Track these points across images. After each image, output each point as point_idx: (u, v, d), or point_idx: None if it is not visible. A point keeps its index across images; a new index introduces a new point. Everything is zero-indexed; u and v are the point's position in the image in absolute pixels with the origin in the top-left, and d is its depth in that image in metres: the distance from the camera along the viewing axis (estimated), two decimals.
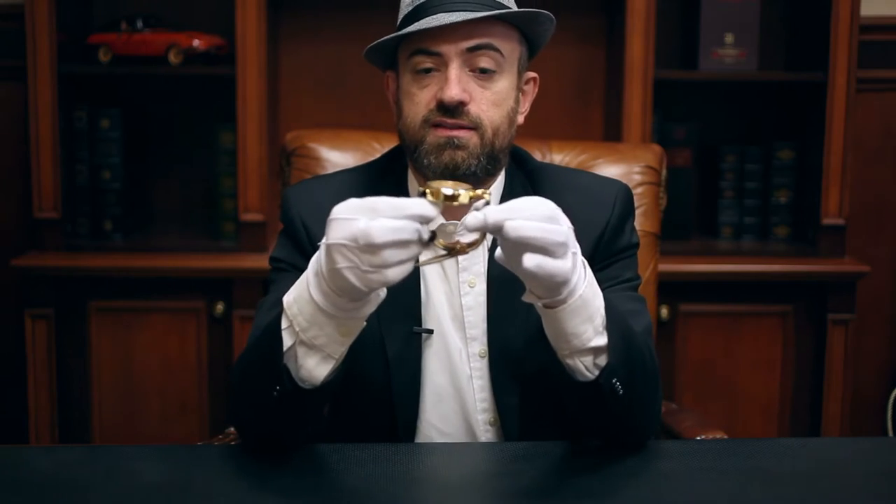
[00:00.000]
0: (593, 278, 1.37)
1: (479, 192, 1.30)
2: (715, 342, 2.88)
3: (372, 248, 1.23)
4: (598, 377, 1.38)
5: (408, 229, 1.24)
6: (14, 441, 2.99)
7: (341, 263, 1.25)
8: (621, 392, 1.39)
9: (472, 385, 1.61)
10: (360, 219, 1.24)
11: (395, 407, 1.59)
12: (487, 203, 1.29)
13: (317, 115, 3.03)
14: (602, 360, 1.37)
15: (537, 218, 1.26)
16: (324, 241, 1.27)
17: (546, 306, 1.35)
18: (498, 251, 1.33)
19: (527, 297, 1.35)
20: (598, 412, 1.42)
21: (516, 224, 1.24)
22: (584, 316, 1.35)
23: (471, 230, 1.27)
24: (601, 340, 1.36)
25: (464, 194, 1.28)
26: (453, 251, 1.33)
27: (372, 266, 1.24)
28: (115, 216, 2.91)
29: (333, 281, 1.28)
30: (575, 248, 1.31)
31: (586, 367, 1.38)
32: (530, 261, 1.26)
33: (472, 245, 1.32)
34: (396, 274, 1.25)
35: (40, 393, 2.81)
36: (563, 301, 1.33)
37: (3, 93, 3.01)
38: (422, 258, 1.59)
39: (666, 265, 2.54)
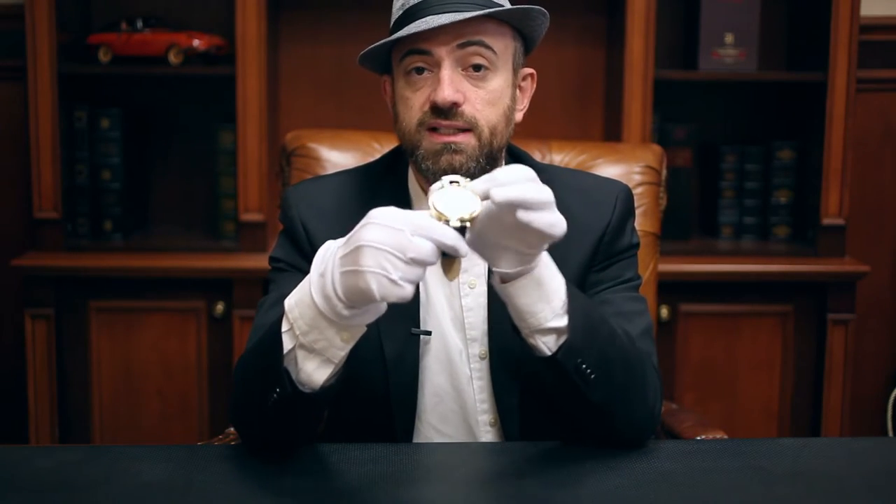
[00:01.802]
0: (554, 266, 1.39)
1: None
2: (715, 342, 2.88)
3: (416, 262, 1.23)
4: (555, 352, 1.39)
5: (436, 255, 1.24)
6: (14, 441, 2.99)
7: (369, 267, 1.22)
8: (593, 376, 1.40)
9: (473, 386, 1.61)
10: (406, 230, 1.23)
11: (392, 408, 1.59)
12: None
13: (317, 115, 3.03)
14: (564, 339, 1.39)
15: (520, 181, 1.27)
16: (355, 239, 1.25)
17: (502, 281, 1.37)
18: (468, 237, 1.31)
19: (493, 279, 1.37)
20: (574, 397, 1.43)
21: (503, 189, 1.26)
22: (539, 294, 1.36)
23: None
24: (561, 322, 1.38)
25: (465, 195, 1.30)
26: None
27: (403, 278, 1.23)
28: (115, 216, 2.91)
29: (346, 281, 1.26)
30: None
31: (547, 347, 1.39)
32: (525, 215, 1.27)
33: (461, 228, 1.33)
34: (412, 292, 1.24)
35: (40, 393, 2.81)
36: (518, 275, 1.35)
37: (3, 93, 3.01)
38: None
39: (666, 265, 2.54)
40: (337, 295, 1.27)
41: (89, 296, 2.81)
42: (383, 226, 1.23)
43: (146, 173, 3.08)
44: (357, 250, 1.24)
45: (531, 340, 1.40)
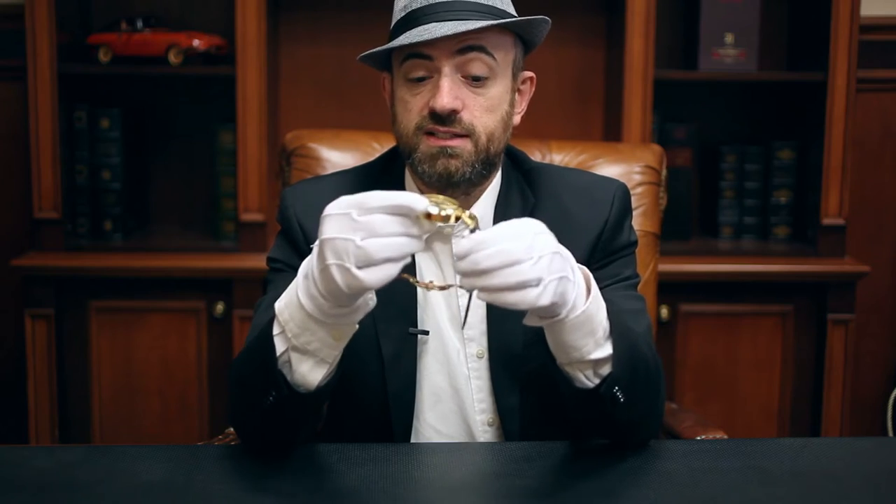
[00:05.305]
0: (598, 291, 1.36)
1: (465, 213, 1.26)
2: (715, 342, 2.88)
3: (369, 235, 1.21)
4: (598, 386, 1.37)
5: (402, 231, 1.22)
6: (14, 441, 2.99)
7: (331, 259, 1.23)
8: (622, 400, 1.39)
9: (471, 386, 1.61)
10: (352, 212, 1.22)
11: (390, 407, 1.59)
12: (473, 230, 1.26)
13: (317, 115, 3.03)
14: (604, 370, 1.37)
15: (501, 265, 1.22)
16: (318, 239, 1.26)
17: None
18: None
19: (528, 320, 1.33)
20: (598, 415, 1.42)
21: (471, 281, 1.23)
22: (586, 330, 1.33)
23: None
24: (602, 352, 1.35)
25: (452, 214, 1.25)
26: (425, 286, 1.38)
27: (359, 261, 1.21)
28: (115, 216, 2.91)
29: (322, 282, 1.27)
30: (561, 272, 1.27)
31: (586, 377, 1.37)
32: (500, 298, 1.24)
33: (444, 288, 1.38)
34: (376, 277, 1.22)
35: (40, 393, 2.81)
36: (564, 318, 1.32)
37: (3, 93, 3.01)
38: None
39: (666, 265, 2.54)
40: (321, 293, 1.28)
41: (89, 296, 2.81)
42: (333, 216, 1.23)
43: (146, 173, 3.08)
44: (320, 248, 1.25)
45: (568, 370, 1.38)
